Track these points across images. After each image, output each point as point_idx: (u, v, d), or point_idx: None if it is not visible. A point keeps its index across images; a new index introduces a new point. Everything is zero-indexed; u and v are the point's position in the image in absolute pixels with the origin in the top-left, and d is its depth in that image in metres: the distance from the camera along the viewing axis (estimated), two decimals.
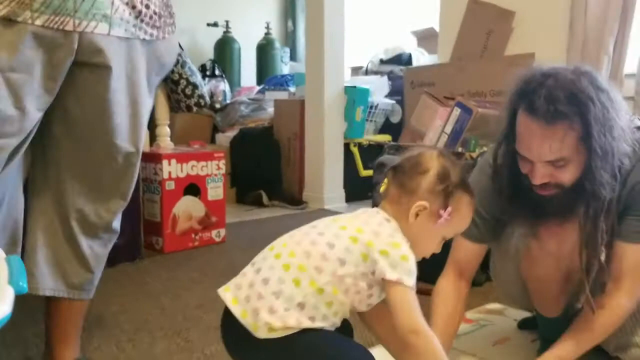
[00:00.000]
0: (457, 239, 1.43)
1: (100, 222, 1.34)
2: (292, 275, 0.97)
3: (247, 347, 0.97)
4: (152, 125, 3.11)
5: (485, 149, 2.40)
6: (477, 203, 1.35)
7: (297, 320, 0.95)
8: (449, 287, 1.40)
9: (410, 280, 0.99)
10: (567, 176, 1.19)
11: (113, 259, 2.43)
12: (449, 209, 1.05)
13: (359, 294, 1.01)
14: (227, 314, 1.01)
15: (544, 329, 1.51)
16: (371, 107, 4.09)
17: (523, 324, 1.80)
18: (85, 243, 1.33)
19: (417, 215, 1.04)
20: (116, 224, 1.39)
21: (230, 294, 1.02)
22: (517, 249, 1.38)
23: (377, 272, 0.98)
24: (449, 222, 1.06)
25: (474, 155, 2.36)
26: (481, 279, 1.99)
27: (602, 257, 1.25)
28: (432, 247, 1.09)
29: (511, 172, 1.28)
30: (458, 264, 1.42)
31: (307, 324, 0.96)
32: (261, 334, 0.95)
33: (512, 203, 1.30)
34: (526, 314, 1.83)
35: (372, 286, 1.01)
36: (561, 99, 1.11)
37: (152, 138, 3.06)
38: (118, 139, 1.29)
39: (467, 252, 1.42)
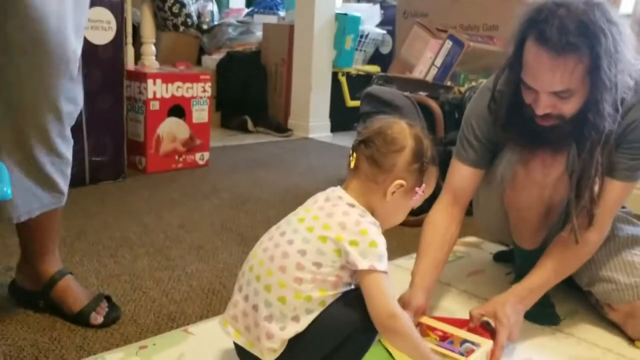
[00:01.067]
0: (454, 164, 1.43)
1: (56, 132, 1.24)
2: (276, 294, 0.98)
3: None
4: (138, 43, 3.04)
5: (474, 83, 2.39)
6: (476, 127, 1.38)
7: (295, 332, 0.97)
8: (439, 215, 1.41)
9: (382, 264, 0.99)
10: (570, 107, 1.18)
11: (96, 177, 2.44)
12: (424, 185, 1.07)
13: (347, 285, 1.02)
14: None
15: (519, 262, 1.55)
16: (361, 36, 4.01)
17: (498, 257, 1.85)
18: (47, 160, 1.24)
19: (393, 193, 1.05)
20: (68, 131, 1.29)
21: (231, 328, 1.04)
22: (502, 177, 1.39)
23: (350, 263, 0.98)
24: (421, 196, 1.09)
25: (463, 89, 2.35)
26: None
27: (596, 189, 1.26)
28: (402, 218, 1.12)
29: (511, 101, 1.27)
30: (453, 190, 1.42)
31: (304, 326, 0.98)
32: (268, 358, 0.98)
33: (507, 130, 1.31)
34: (502, 248, 1.88)
35: (354, 274, 1.01)
36: (573, 30, 1.09)
37: (137, 56, 2.99)
38: (59, 39, 1.15)
39: (463, 177, 1.41)
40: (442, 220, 1.40)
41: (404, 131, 1.06)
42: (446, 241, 1.39)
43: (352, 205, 1.04)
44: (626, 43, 1.15)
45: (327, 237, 0.99)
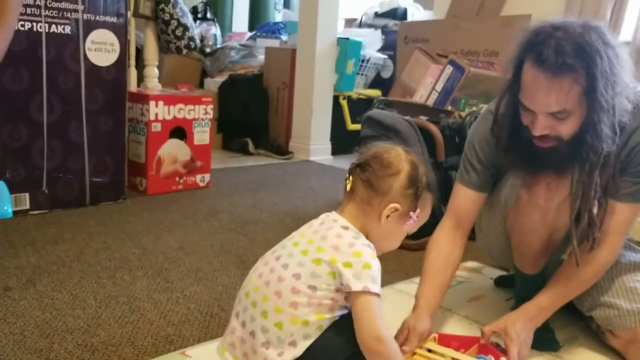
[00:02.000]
0: (457, 187, 1.44)
1: None
2: (272, 320, 0.97)
3: None
4: (140, 65, 3.06)
5: (474, 108, 2.40)
6: (479, 150, 1.39)
7: (293, 357, 0.97)
8: (443, 238, 1.41)
9: (375, 286, 0.98)
10: (567, 129, 1.20)
11: (97, 197, 2.44)
12: (418, 210, 1.07)
13: (344, 308, 1.01)
14: None
15: (520, 287, 1.54)
16: (363, 61, 4.05)
17: (499, 282, 1.84)
18: None
19: (387, 216, 1.06)
20: None
21: (229, 355, 1.04)
22: (506, 201, 1.40)
23: (344, 286, 0.97)
24: (415, 222, 1.08)
25: (463, 114, 2.36)
26: None
27: (595, 210, 1.28)
28: (397, 243, 1.12)
29: (512, 123, 1.28)
30: (456, 213, 1.43)
31: (302, 351, 0.97)
32: None
33: (509, 153, 1.32)
34: (503, 273, 1.88)
35: (349, 296, 1.00)
36: (569, 51, 1.11)
37: (140, 78, 3.01)
38: None
39: (467, 201, 1.42)
40: (445, 243, 1.40)
41: (400, 156, 1.07)
42: (450, 264, 1.39)
43: (346, 228, 1.04)
44: (623, 66, 1.17)
45: (321, 259, 0.99)
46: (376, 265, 1.00)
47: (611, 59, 1.13)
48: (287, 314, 0.97)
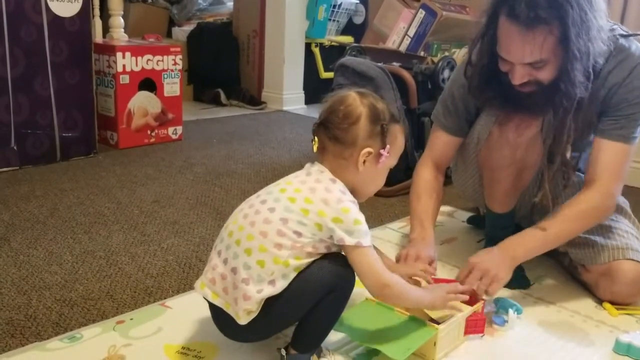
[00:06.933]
0: (435, 131, 1.51)
1: None
2: (255, 258, 1.00)
3: (238, 329, 1.03)
4: (105, 15, 2.97)
5: (447, 53, 2.39)
6: (457, 96, 1.45)
7: (270, 294, 1.00)
8: (430, 176, 1.49)
9: (367, 240, 1.02)
10: (546, 75, 1.24)
11: (67, 153, 2.40)
12: (388, 146, 1.08)
13: (319, 255, 1.04)
14: (214, 305, 1.06)
15: (490, 228, 1.58)
16: (334, 6, 3.97)
17: (471, 220, 1.91)
18: None
19: (364, 162, 1.07)
20: None
21: (208, 290, 1.05)
22: (479, 137, 1.44)
23: (336, 239, 1.01)
24: (389, 157, 1.09)
25: (436, 59, 2.35)
26: None
27: (568, 155, 1.34)
28: (381, 182, 1.14)
29: (488, 70, 1.31)
30: (435, 156, 1.50)
31: (279, 290, 1.00)
32: (243, 320, 1.01)
33: (483, 92, 1.35)
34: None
35: (331, 247, 1.04)
36: (541, 3, 1.14)
37: (105, 29, 2.92)
38: None
39: (445, 144, 1.51)
40: (432, 181, 1.49)
41: (355, 101, 1.07)
42: (438, 200, 1.50)
43: (334, 181, 1.06)
44: (595, 10, 1.19)
45: (309, 210, 1.01)
46: (364, 220, 1.03)
47: (582, 6, 1.16)
48: (270, 253, 1.00)
